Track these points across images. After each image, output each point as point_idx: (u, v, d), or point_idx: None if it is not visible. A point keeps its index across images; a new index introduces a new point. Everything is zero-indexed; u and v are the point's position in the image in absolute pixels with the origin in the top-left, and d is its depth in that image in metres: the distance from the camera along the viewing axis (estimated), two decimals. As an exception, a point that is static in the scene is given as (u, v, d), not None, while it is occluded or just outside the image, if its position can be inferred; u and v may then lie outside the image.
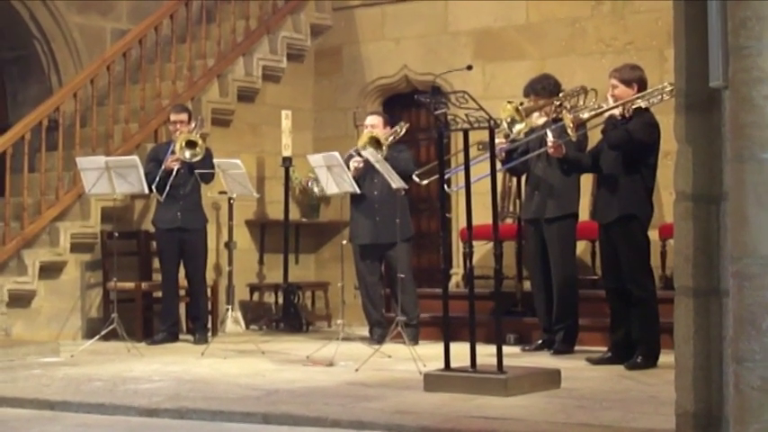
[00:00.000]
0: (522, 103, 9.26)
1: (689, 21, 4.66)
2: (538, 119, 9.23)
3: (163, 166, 10.15)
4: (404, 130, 10.05)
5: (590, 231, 9.80)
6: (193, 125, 10.39)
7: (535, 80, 9.46)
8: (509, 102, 8.82)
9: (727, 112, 4.34)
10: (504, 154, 9.29)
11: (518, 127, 8.78)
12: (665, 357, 7.33)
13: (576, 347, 9.09)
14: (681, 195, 4.66)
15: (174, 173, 10.14)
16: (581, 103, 9.07)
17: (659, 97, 8.21)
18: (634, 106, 8.19)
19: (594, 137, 8.86)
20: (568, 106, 9.01)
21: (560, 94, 9.18)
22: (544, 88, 9.29)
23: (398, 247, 9.47)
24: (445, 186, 9.32)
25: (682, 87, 4.71)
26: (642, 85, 8.33)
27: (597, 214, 8.48)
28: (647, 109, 8.24)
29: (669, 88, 8.00)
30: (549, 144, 8.60)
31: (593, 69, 10.51)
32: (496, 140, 9.13)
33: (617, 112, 8.22)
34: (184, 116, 10.42)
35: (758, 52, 4.08)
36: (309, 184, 10.68)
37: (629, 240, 8.15)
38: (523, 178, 10.30)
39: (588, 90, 9.09)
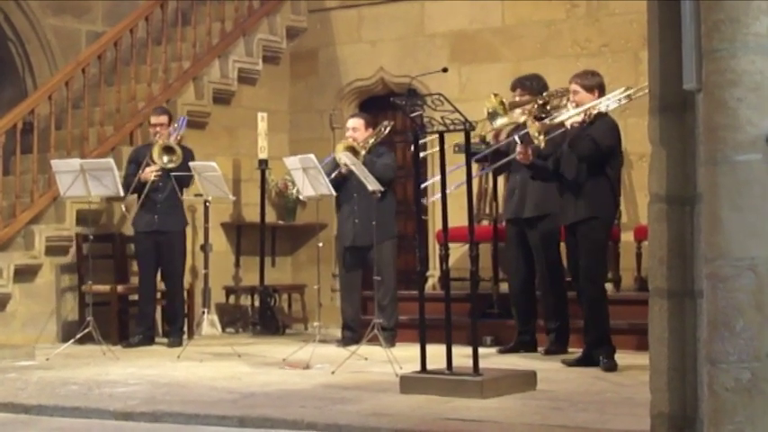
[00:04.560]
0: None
1: (663, 23, 4.68)
2: (520, 116, 9.25)
3: (138, 176, 10.14)
4: (387, 130, 10.06)
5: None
6: (173, 127, 10.37)
7: (524, 77, 9.50)
8: (495, 94, 8.84)
9: (700, 114, 4.36)
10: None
11: (500, 121, 8.81)
12: (640, 359, 7.35)
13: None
14: (655, 197, 4.68)
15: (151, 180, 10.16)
16: (564, 104, 9.10)
17: (618, 101, 8.33)
18: (595, 111, 8.27)
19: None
20: (549, 107, 9.05)
21: (544, 94, 9.21)
22: (532, 86, 9.31)
23: (381, 249, 9.47)
24: (422, 200, 9.36)
25: (656, 90, 4.73)
26: (602, 90, 8.47)
27: (562, 217, 8.51)
28: (606, 113, 8.33)
29: (627, 92, 8.17)
30: (518, 150, 8.66)
31: (568, 71, 10.43)
32: (490, 131, 9.19)
33: (578, 118, 8.30)
34: (164, 119, 10.41)
35: (731, 55, 4.10)
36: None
37: (590, 239, 8.20)
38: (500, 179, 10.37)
39: None
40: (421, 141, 8.23)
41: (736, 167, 4.08)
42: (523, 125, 8.94)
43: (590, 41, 11.13)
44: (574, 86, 8.44)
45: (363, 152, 9.74)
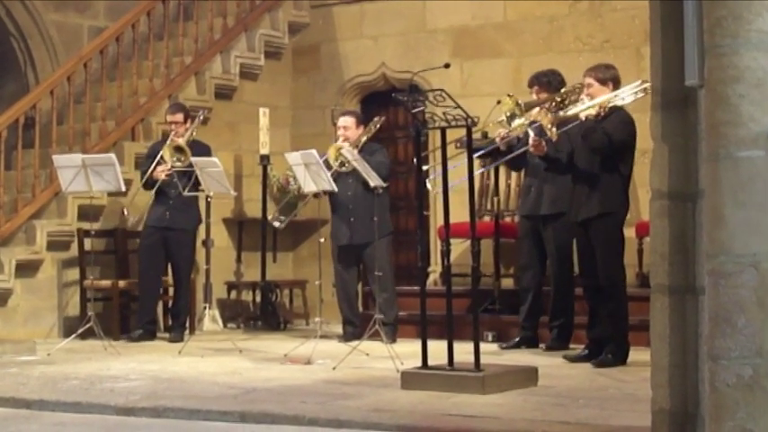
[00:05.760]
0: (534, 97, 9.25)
1: (665, 19, 4.67)
2: (538, 115, 9.22)
3: (148, 173, 10.16)
4: (377, 126, 10.05)
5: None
6: (188, 125, 10.38)
7: (541, 73, 9.45)
8: (509, 95, 8.83)
9: (702, 110, 4.35)
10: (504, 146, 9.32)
11: (518, 121, 8.79)
12: (642, 355, 7.35)
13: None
14: (657, 193, 4.67)
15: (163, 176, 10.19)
16: (581, 100, 9.08)
17: (634, 95, 8.24)
18: (610, 104, 8.23)
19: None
20: (567, 102, 9.03)
21: (562, 91, 9.19)
22: (550, 82, 9.28)
23: (376, 246, 9.47)
24: (428, 184, 9.36)
25: (658, 86, 4.72)
26: (616, 83, 8.38)
27: (573, 212, 8.49)
28: (621, 107, 8.28)
29: (644, 86, 8.06)
30: (531, 142, 8.64)
31: (570, 67, 10.50)
32: (498, 132, 9.17)
33: (593, 111, 8.25)
34: (180, 116, 10.42)
35: (734, 51, 4.10)
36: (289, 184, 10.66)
37: (606, 237, 8.18)
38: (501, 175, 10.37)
39: None
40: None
41: (738, 164, 4.08)
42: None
43: (592, 37, 11.13)
44: (588, 80, 8.38)
45: (355, 151, 9.72)
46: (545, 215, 9.19)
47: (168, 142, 10.27)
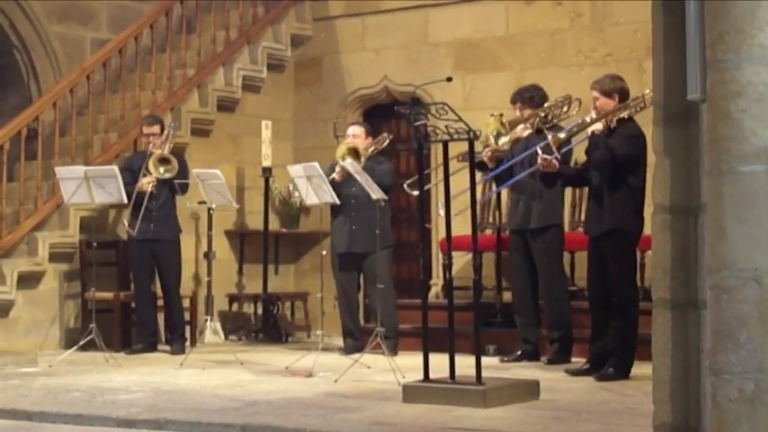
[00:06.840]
0: (502, 115, 9.27)
1: (667, 33, 4.67)
2: (523, 131, 9.24)
3: (137, 187, 10.15)
4: (386, 142, 10.08)
5: (570, 242, 9.78)
6: (165, 136, 10.38)
7: (524, 89, 9.48)
8: (492, 115, 8.83)
9: (704, 124, 4.36)
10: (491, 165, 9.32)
11: (503, 139, 8.81)
12: (643, 369, 7.35)
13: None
14: (659, 207, 4.67)
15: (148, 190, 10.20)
16: (566, 112, 9.09)
17: (641, 105, 8.17)
18: (616, 117, 8.18)
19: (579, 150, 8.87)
20: (551, 117, 9.03)
21: (545, 106, 9.19)
22: (532, 98, 9.30)
23: (377, 257, 9.47)
24: (440, 211, 9.36)
25: (660, 100, 4.73)
26: (623, 95, 8.27)
27: (586, 227, 8.49)
28: (631, 119, 8.21)
29: (651, 95, 8.00)
30: (540, 160, 8.57)
31: (572, 81, 10.54)
32: (486, 150, 9.17)
33: (600, 125, 8.19)
34: (156, 128, 10.43)
35: (736, 65, 4.10)
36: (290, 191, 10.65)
37: (617, 254, 8.10)
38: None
39: (573, 100, 9.12)
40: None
41: (740, 178, 4.08)
42: (526, 138, 8.98)
43: (594, 51, 11.14)
44: (594, 93, 8.28)
45: (363, 158, 9.73)
46: (533, 229, 9.20)
47: (150, 154, 10.26)
